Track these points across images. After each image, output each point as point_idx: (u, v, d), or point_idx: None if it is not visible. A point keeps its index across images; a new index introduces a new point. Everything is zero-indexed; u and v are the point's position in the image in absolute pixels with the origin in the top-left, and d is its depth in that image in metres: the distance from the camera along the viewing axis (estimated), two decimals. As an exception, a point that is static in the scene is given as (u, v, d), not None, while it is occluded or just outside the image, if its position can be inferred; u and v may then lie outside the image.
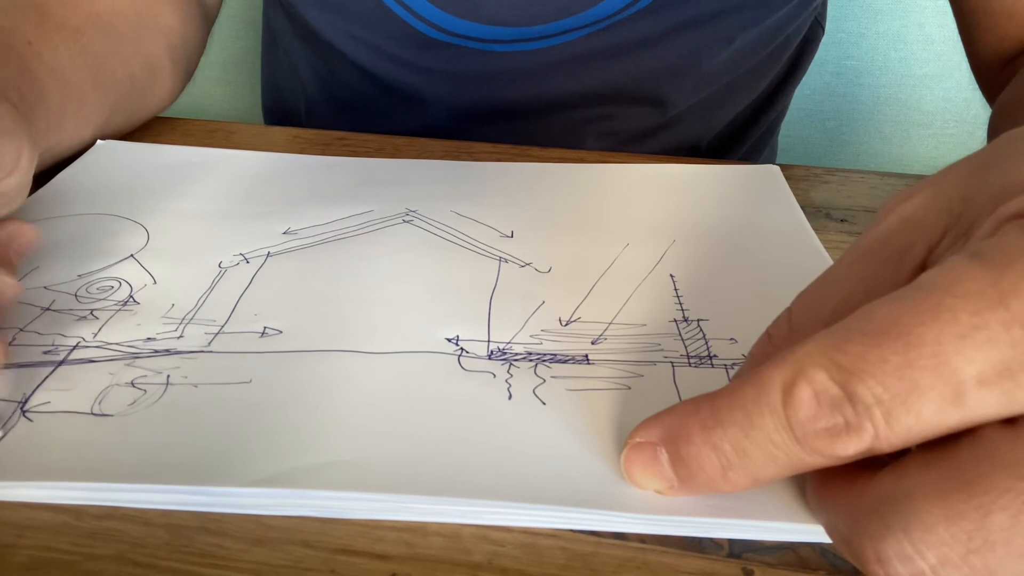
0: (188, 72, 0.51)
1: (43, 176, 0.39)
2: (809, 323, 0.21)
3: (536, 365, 0.27)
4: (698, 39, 0.50)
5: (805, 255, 0.34)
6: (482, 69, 0.51)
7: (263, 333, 0.29)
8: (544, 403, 0.26)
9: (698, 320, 0.30)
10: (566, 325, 0.30)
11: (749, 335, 0.24)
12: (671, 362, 0.28)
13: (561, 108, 0.52)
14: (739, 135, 0.61)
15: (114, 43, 0.44)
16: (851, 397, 0.17)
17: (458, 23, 0.49)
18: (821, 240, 0.35)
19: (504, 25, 0.48)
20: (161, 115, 0.49)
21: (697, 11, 0.49)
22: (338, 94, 0.56)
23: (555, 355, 0.28)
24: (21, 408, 0.25)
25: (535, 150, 0.44)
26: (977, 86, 0.51)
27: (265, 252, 0.34)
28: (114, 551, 0.21)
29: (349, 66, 0.54)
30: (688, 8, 0.49)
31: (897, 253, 0.20)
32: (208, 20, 0.55)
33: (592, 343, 0.29)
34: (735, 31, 0.51)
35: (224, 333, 0.29)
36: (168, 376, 0.26)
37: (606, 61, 0.50)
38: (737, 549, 0.22)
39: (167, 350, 0.28)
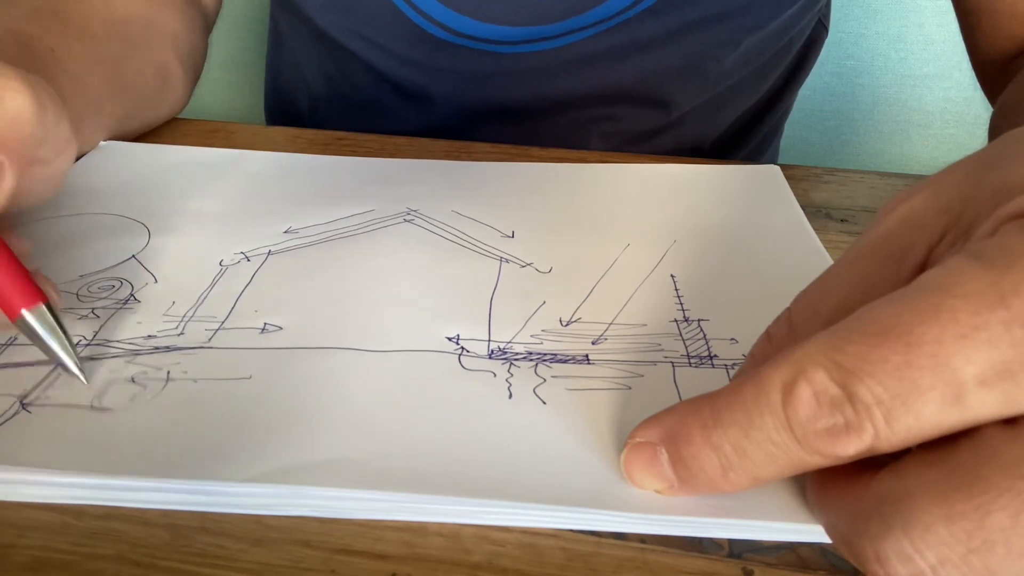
0: (195, 78, 0.52)
1: (44, 175, 0.40)
2: (809, 323, 0.21)
3: (536, 365, 0.27)
4: (704, 41, 0.50)
5: (805, 255, 0.34)
6: (489, 69, 0.51)
7: (263, 329, 0.29)
8: (544, 403, 0.26)
9: (699, 320, 0.30)
10: (567, 325, 0.30)
11: (749, 335, 0.24)
12: (671, 362, 0.28)
13: (566, 108, 0.53)
14: (742, 136, 0.61)
15: (128, 50, 0.45)
16: (851, 397, 0.17)
17: (466, 22, 0.49)
18: (821, 240, 0.35)
19: (511, 25, 0.49)
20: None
21: (703, 12, 0.49)
22: (345, 92, 0.57)
23: (555, 355, 0.28)
24: (20, 401, 0.25)
25: (535, 150, 0.44)
26: (978, 86, 0.52)
27: (266, 251, 0.34)
28: (114, 551, 0.21)
29: (357, 65, 0.54)
30: (694, 8, 0.49)
31: (897, 253, 0.20)
32: (208, 26, 0.55)
33: (592, 343, 0.29)
34: (741, 33, 0.51)
35: (224, 329, 0.29)
36: (168, 372, 0.27)
37: (611, 62, 0.50)
38: (737, 549, 0.22)
39: (167, 347, 0.28)
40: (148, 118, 0.46)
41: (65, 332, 0.26)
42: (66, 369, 0.26)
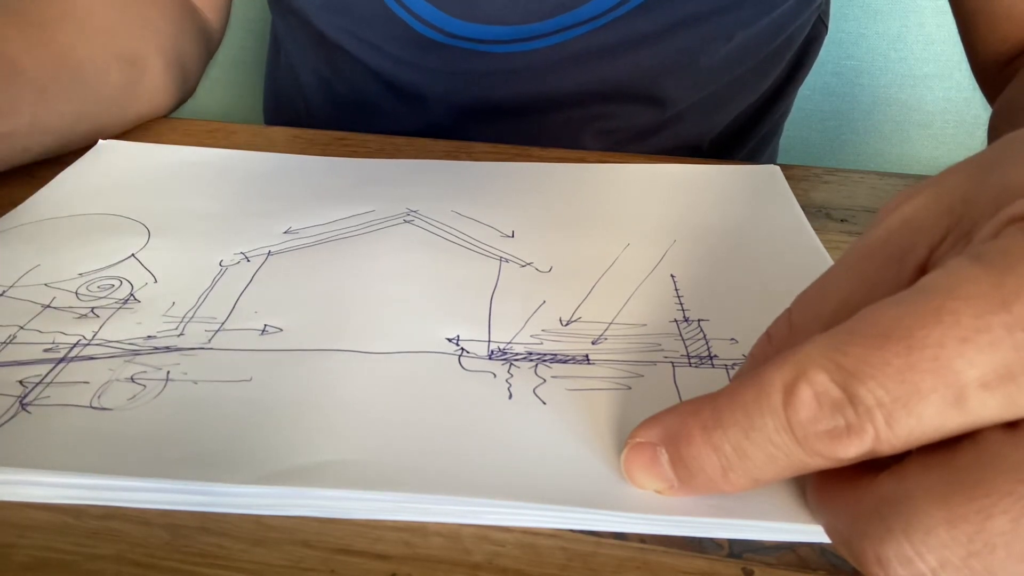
0: (185, 78, 0.51)
1: (44, 176, 0.40)
2: (809, 324, 0.21)
3: (536, 365, 0.27)
4: (696, 36, 0.50)
5: (805, 255, 0.34)
6: (481, 69, 0.51)
7: (263, 331, 0.29)
8: (544, 403, 0.26)
9: (699, 320, 0.30)
10: (566, 325, 0.30)
11: (749, 335, 0.24)
12: (671, 362, 0.28)
13: (560, 107, 0.53)
14: (741, 135, 0.61)
15: (86, 37, 0.44)
16: (852, 399, 0.17)
17: (456, 24, 0.49)
18: (821, 240, 0.35)
19: (501, 24, 0.49)
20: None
21: (694, 8, 0.49)
22: (341, 92, 0.57)
23: (555, 355, 0.28)
24: (20, 401, 0.25)
25: (535, 150, 0.44)
26: (977, 86, 0.52)
27: (266, 251, 0.34)
28: (114, 551, 0.21)
29: (353, 64, 0.54)
30: (685, 5, 0.49)
31: (898, 254, 0.20)
32: (209, 41, 0.55)
33: (592, 343, 0.29)
34: (734, 28, 0.51)
35: (224, 330, 0.29)
36: (168, 372, 0.26)
37: (603, 59, 0.50)
38: (737, 549, 0.22)
39: (167, 347, 0.28)
40: (124, 108, 0.45)
41: None
42: None
